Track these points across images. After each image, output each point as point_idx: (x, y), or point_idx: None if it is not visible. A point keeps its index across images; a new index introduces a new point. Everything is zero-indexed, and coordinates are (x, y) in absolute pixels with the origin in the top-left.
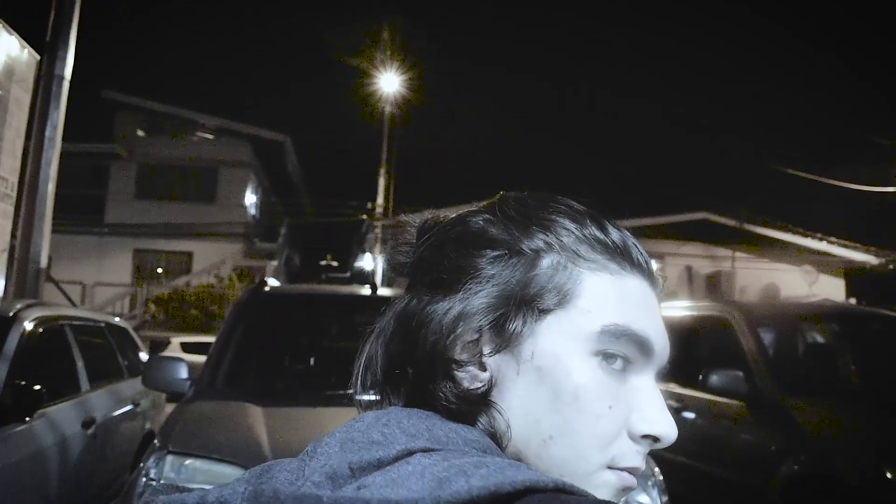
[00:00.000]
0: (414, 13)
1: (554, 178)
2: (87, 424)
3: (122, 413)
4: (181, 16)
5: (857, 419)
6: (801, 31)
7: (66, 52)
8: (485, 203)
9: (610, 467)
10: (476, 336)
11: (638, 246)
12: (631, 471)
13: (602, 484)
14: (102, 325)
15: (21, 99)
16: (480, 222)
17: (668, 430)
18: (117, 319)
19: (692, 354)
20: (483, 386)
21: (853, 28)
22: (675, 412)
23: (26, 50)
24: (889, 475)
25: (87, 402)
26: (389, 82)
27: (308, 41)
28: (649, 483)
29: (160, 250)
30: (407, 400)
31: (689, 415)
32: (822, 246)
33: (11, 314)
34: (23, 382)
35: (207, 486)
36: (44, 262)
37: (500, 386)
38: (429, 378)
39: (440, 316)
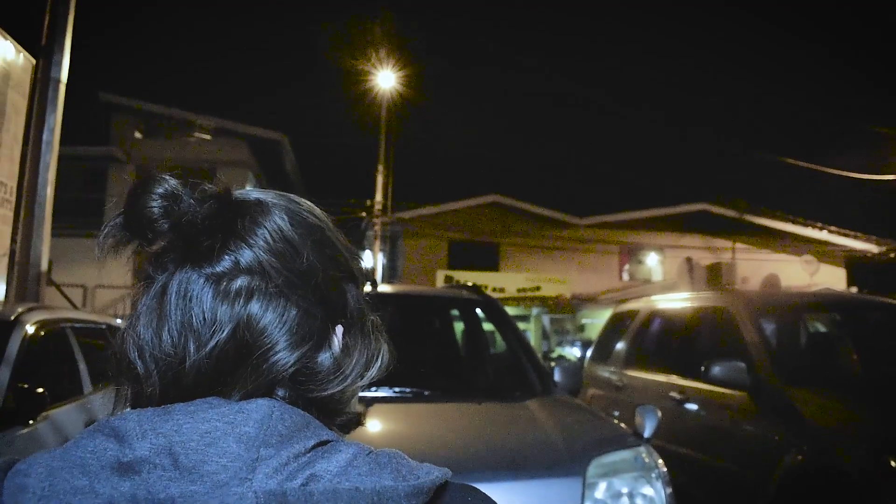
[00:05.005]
0: (412, 11)
1: (553, 173)
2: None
3: None
4: (177, 17)
5: (860, 408)
6: (798, 21)
7: (61, 55)
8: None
9: None
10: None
11: None
12: None
13: None
14: (104, 327)
15: (18, 103)
16: (327, 232)
17: None
18: (119, 321)
19: (694, 345)
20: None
21: (851, 18)
22: (678, 404)
23: (22, 54)
24: (895, 464)
25: (90, 404)
26: (387, 79)
27: (304, 39)
28: (653, 475)
29: None
30: (243, 393)
31: (692, 406)
32: (822, 235)
33: (13, 318)
34: (25, 385)
35: None
36: (44, 266)
37: None
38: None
39: (297, 325)
